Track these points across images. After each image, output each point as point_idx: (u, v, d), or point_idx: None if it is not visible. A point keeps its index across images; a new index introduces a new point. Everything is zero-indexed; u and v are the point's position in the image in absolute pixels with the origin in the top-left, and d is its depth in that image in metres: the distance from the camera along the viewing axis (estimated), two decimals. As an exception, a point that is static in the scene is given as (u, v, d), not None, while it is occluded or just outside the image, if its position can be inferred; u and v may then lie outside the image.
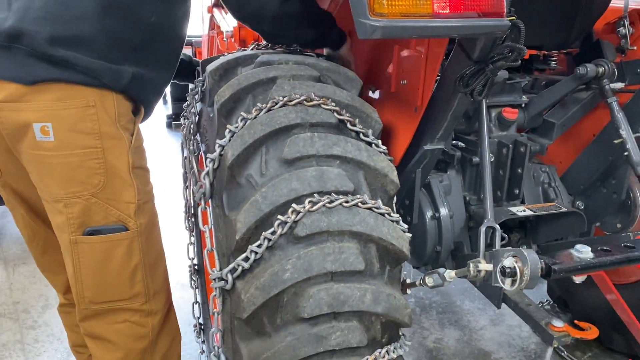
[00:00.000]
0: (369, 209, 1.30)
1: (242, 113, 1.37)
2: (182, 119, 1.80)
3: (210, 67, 1.53)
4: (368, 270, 1.29)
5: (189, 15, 1.51)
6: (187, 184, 2.09)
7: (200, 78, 1.63)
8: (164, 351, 1.54)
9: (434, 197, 1.90)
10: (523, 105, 1.95)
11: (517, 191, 1.92)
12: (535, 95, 1.96)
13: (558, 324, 1.65)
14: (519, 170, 1.92)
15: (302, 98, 1.37)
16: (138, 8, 1.33)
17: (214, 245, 1.39)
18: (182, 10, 1.48)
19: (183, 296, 2.84)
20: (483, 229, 1.51)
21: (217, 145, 1.36)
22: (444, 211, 1.89)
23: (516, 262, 1.15)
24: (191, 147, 1.58)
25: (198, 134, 1.61)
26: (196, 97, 1.61)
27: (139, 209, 1.39)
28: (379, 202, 1.33)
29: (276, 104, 1.36)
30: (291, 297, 1.24)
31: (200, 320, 2.09)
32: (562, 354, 2.41)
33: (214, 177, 1.39)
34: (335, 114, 1.39)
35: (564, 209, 1.81)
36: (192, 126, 1.60)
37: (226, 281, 1.29)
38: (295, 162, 1.30)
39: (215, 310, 1.37)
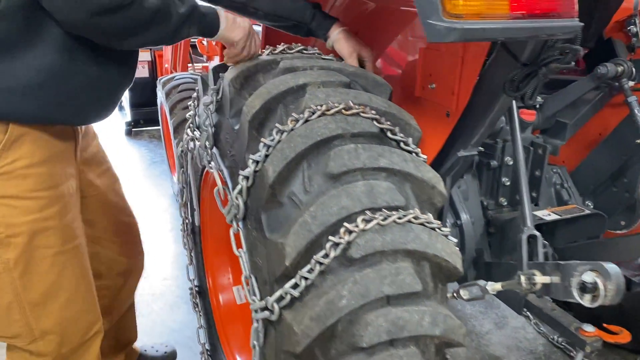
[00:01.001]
0: (422, 224, 1.21)
1: (277, 125, 1.24)
2: (188, 132, 1.66)
3: (229, 76, 1.40)
4: (424, 291, 1.20)
5: None
6: (185, 199, 1.94)
7: (215, 87, 1.49)
8: None
9: (454, 203, 1.83)
10: (537, 106, 1.92)
11: (535, 194, 1.88)
12: (548, 95, 1.93)
13: (589, 328, 1.62)
14: (537, 173, 1.88)
15: (340, 106, 1.27)
16: None
17: (250, 271, 1.26)
18: None
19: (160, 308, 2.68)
20: (524, 237, 1.45)
21: (250, 160, 1.24)
22: (465, 218, 1.83)
23: (597, 276, 1.08)
24: (211, 163, 1.44)
25: (215, 148, 1.47)
26: (211, 107, 1.47)
27: (0, 243, 1.25)
28: (430, 216, 1.24)
29: (313, 113, 1.25)
30: (346, 325, 1.13)
31: (207, 347, 1.95)
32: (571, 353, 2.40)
33: (248, 195, 1.26)
34: (375, 122, 1.29)
35: (587, 211, 1.78)
36: (207, 140, 1.46)
37: (272, 311, 1.17)
38: (341, 176, 1.19)
39: (255, 343, 1.24)
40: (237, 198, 1.26)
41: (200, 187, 1.84)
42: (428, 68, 1.53)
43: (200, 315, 2.00)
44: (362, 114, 1.28)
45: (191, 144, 1.71)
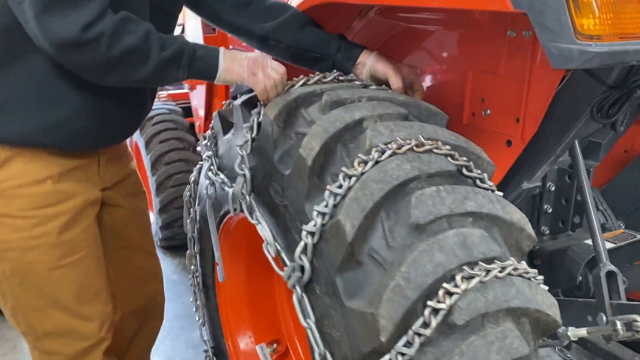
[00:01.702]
0: (520, 275, 1.05)
1: (342, 169, 1.05)
2: (208, 175, 1.44)
3: (271, 112, 1.20)
4: (529, 353, 1.03)
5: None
6: (195, 250, 1.71)
7: (248, 125, 1.28)
8: None
9: (498, 236, 1.68)
10: (572, 126, 1.81)
11: (578, 220, 1.77)
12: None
13: None
14: (578, 198, 1.77)
15: (412, 143, 1.09)
16: None
17: (323, 346, 1.05)
18: None
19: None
20: (603, 274, 1.31)
21: (314, 213, 1.04)
22: (511, 251, 1.68)
23: None
24: (251, 213, 1.23)
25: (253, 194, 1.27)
26: (246, 148, 1.27)
27: None
28: (524, 264, 1.08)
29: (383, 153, 1.07)
30: (454, 407, 0.94)
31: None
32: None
33: (314, 254, 1.06)
34: (450, 159, 1.12)
35: (639, 237, 1.68)
36: (244, 186, 1.25)
37: (361, 398, 0.97)
38: (427, 226, 1.01)
39: None
40: (300, 258, 1.05)
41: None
42: (480, 93, 1.38)
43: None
44: (435, 151, 1.12)
45: (210, 189, 1.48)
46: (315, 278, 1.06)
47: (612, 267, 1.32)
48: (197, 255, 1.75)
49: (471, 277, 0.98)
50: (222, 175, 1.39)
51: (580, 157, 1.40)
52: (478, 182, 1.15)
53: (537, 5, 0.82)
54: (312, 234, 1.04)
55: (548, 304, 1.06)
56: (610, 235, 1.70)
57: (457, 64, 1.50)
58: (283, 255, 1.14)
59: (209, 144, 1.50)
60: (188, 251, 1.77)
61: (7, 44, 1.24)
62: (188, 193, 1.71)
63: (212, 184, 1.47)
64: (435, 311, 0.95)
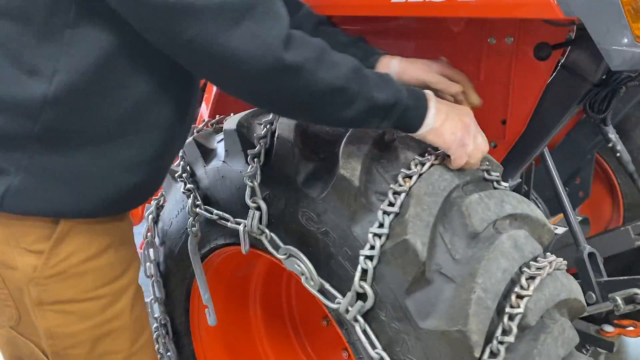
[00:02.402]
0: (558, 268, 1.10)
1: (391, 186, 1.01)
2: (192, 210, 1.29)
3: (287, 135, 1.12)
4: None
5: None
6: (160, 295, 1.55)
7: (254, 152, 1.17)
8: None
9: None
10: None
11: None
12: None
13: (608, 328, 1.68)
14: (525, 187, 1.91)
15: (439, 155, 1.09)
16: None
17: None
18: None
19: None
20: (585, 256, 1.44)
21: (370, 235, 0.98)
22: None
23: None
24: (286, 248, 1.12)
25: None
26: (256, 178, 1.15)
27: (56, 356, 1.05)
28: (555, 257, 1.13)
29: (423, 165, 1.05)
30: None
31: None
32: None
33: (373, 279, 1.00)
34: (474, 165, 1.14)
35: (580, 217, 1.86)
36: (260, 219, 1.14)
37: (452, 420, 0.94)
38: (482, 233, 1.02)
39: None
40: (361, 286, 0.99)
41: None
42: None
43: None
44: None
45: (195, 226, 1.33)
46: (379, 304, 1.00)
47: (592, 249, 1.45)
48: (163, 302, 1.56)
49: (532, 277, 1.00)
50: (217, 211, 1.25)
51: (546, 149, 1.51)
52: (496, 184, 1.18)
53: (594, 12, 0.87)
54: (370, 258, 0.98)
55: (579, 292, 1.13)
56: (556, 220, 1.87)
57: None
58: (328, 287, 1.06)
59: (184, 175, 1.34)
60: (150, 299, 1.57)
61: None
62: (148, 234, 1.52)
63: (196, 220, 1.32)
64: (511, 317, 0.96)
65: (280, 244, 1.12)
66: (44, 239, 0.97)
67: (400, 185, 1.02)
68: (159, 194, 1.56)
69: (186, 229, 1.39)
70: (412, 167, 1.05)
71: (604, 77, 1.25)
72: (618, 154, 1.83)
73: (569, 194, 2.09)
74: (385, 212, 0.99)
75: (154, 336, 1.61)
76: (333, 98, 0.91)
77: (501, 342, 0.94)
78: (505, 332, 0.95)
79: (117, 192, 1.00)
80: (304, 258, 1.07)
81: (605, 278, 1.44)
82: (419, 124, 1.01)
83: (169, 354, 1.59)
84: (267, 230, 1.14)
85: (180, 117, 1.04)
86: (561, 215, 1.95)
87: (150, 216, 1.52)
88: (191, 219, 1.32)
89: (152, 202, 1.56)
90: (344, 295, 1.03)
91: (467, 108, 1.11)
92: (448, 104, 1.08)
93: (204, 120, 1.56)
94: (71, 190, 0.95)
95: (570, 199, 2.06)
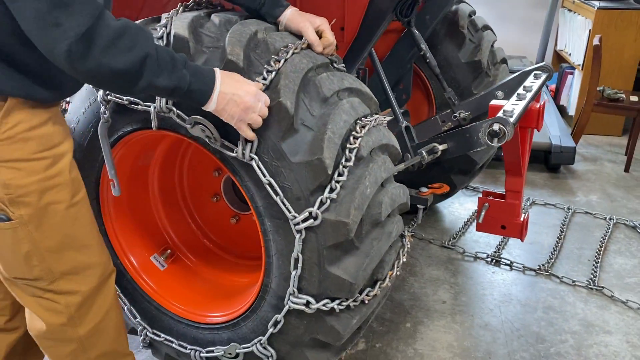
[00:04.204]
0: (380, 124, 1.60)
1: (266, 67, 1.42)
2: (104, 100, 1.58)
3: (183, 31, 1.46)
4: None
5: None
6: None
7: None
8: (90, 326, 1.54)
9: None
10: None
11: None
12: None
13: (424, 189, 2.30)
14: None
15: (299, 46, 1.51)
16: None
17: (283, 194, 1.43)
18: None
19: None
20: (403, 129, 1.99)
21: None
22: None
23: (500, 126, 1.67)
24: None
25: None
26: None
27: (12, 202, 1.33)
28: (379, 116, 1.63)
29: (287, 53, 1.47)
30: (368, 208, 1.47)
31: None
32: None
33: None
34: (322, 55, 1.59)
35: (402, 110, 2.44)
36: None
37: (315, 218, 1.41)
38: (330, 99, 1.47)
39: (299, 254, 1.45)
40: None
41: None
42: (309, 12, 1.85)
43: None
44: (313, 49, 1.56)
45: (105, 114, 1.61)
46: (263, 149, 1.42)
47: (408, 123, 2.00)
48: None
49: (363, 126, 1.49)
50: (127, 97, 1.55)
51: (377, 60, 2.01)
52: (337, 68, 1.64)
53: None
54: (253, 116, 1.39)
55: (395, 141, 1.66)
56: (384, 113, 2.43)
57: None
58: (226, 143, 1.45)
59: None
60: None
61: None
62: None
63: (107, 108, 1.60)
64: (350, 150, 1.44)
65: (186, 117, 1.48)
66: None
67: (272, 66, 1.43)
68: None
69: (93, 122, 1.67)
70: (280, 54, 1.46)
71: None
72: (428, 60, 2.43)
73: (396, 98, 2.69)
74: (262, 85, 1.40)
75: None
76: (122, 78, 1.19)
77: (345, 167, 1.42)
78: (347, 160, 1.43)
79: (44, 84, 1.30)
80: (208, 122, 1.44)
81: (416, 142, 2.02)
82: (203, 104, 1.33)
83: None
84: (174, 108, 1.49)
85: None
86: (388, 110, 2.52)
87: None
88: (102, 107, 1.60)
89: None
90: (237, 148, 1.44)
91: (255, 87, 1.38)
92: (236, 86, 1.34)
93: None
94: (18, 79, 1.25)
95: (397, 101, 2.65)
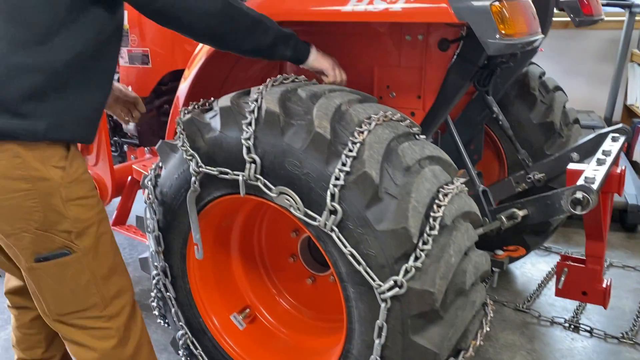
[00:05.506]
0: (462, 191, 1.62)
1: (350, 138, 1.49)
2: (195, 169, 1.68)
3: (274, 107, 1.55)
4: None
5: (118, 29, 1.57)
6: (162, 247, 1.92)
7: (246, 121, 1.59)
8: (135, 343, 1.70)
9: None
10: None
11: None
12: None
13: (499, 252, 2.26)
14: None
15: (381, 116, 1.58)
16: (50, 50, 1.40)
17: (365, 264, 1.46)
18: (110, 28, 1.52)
19: None
20: (480, 193, 2.00)
21: (338, 170, 1.45)
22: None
23: (584, 194, 1.65)
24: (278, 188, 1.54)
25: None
26: (250, 140, 1.58)
27: (78, 235, 1.53)
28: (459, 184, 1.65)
29: (370, 124, 1.53)
30: (453, 276, 1.47)
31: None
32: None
33: (340, 200, 1.46)
34: (401, 123, 1.64)
35: (477, 171, 2.45)
36: (255, 170, 1.57)
37: (400, 286, 1.42)
38: (412, 167, 1.51)
39: (384, 323, 1.46)
40: (332, 205, 1.45)
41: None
42: (385, 81, 1.93)
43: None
44: (393, 119, 1.62)
45: (195, 183, 1.72)
46: (347, 217, 1.47)
47: (485, 188, 2.01)
48: (162, 252, 1.93)
49: (446, 194, 1.51)
50: (218, 168, 1.65)
51: (450, 121, 2.05)
52: (417, 137, 1.69)
53: (476, 17, 1.41)
54: (336, 185, 1.45)
55: (476, 209, 1.67)
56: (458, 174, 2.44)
57: (364, 62, 2.01)
58: (310, 212, 1.51)
59: (186, 145, 1.72)
60: (152, 250, 1.93)
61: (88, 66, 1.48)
62: (149, 196, 1.88)
63: (197, 178, 1.71)
64: (434, 218, 1.46)
65: (272, 186, 1.56)
66: (61, 159, 1.48)
67: (356, 138, 1.49)
68: (154, 166, 1.92)
69: (184, 188, 1.78)
70: (364, 125, 1.53)
71: (485, 61, 1.79)
72: (500, 122, 2.44)
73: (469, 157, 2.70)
74: (347, 156, 1.46)
75: (154, 282, 1.98)
76: (255, 29, 1.61)
77: (429, 235, 1.44)
78: (431, 228, 1.45)
79: (93, 126, 1.58)
80: (292, 192, 1.51)
81: (494, 207, 2.01)
82: (307, 55, 1.75)
83: (168, 293, 1.96)
84: (261, 177, 1.57)
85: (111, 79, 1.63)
86: (462, 170, 2.53)
87: (150, 182, 1.89)
88: (193, 177, 1.71)
89: (149, 171, 1.92)
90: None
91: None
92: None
93: (184, 105, 1.95)
94: (78, 125, 1.51)
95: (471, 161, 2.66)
